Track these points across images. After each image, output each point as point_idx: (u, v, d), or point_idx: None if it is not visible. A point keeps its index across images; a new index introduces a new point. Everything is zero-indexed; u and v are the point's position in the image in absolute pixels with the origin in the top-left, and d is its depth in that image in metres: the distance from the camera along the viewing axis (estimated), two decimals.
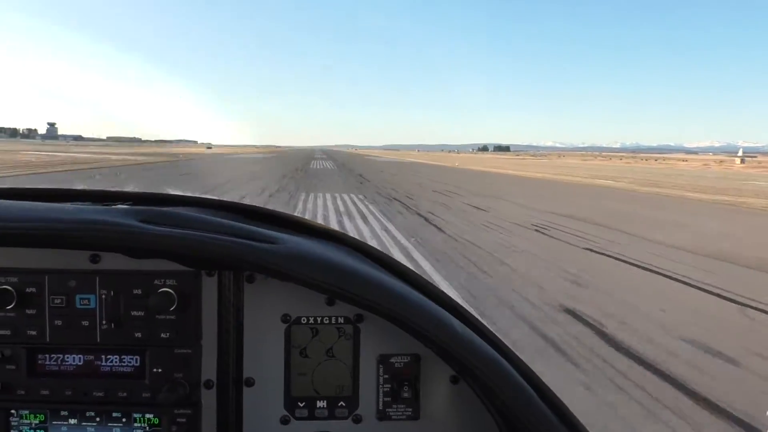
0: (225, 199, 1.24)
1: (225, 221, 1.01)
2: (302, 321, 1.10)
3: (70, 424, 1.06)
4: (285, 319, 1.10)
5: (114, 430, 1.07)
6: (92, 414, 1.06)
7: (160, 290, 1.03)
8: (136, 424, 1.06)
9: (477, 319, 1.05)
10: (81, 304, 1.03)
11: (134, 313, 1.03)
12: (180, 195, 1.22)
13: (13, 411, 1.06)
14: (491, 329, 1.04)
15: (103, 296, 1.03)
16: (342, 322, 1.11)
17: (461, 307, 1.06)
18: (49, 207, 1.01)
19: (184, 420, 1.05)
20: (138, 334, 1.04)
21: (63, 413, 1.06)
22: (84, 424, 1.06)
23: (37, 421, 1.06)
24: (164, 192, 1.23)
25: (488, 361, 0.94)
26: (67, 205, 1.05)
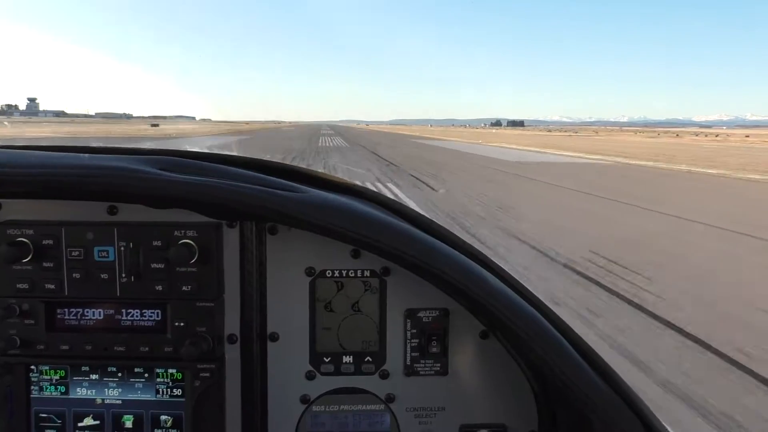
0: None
1: (246, 172, 0.98)
2: (327, 274, 1.07)
3: (92, 380, 1.05)
4: (309, 272, 1.07)
5: (136, 385, 1.05)
6: (114, 369, 1.04)
7: (181, 242, 0.99)
8: (158, 379, 1.05)
9: (508, 273, 1.01)
10: (99, 257, 1.00)
11: (154, 265, 1.00)
12: (197, 151, 1.14)
13: (33, 366, 1.04)
14: (523, 283, 1.00)
15: (122, 248, 1.00)
16: (368, 275, 1.08)
17: (491, 260, 1.02)
18: (65, 155, 0.98)
19: (207, 375, 1.03)
20: (158, 287, 1.01)
21: (84, 368, 1.04)
22: (106, 379, 1.05)
23: (57, 377, 1.04)
24: (182, 149, 1.14)
25: (522, 313, 0.91)
26: (84, 155, 1.01)
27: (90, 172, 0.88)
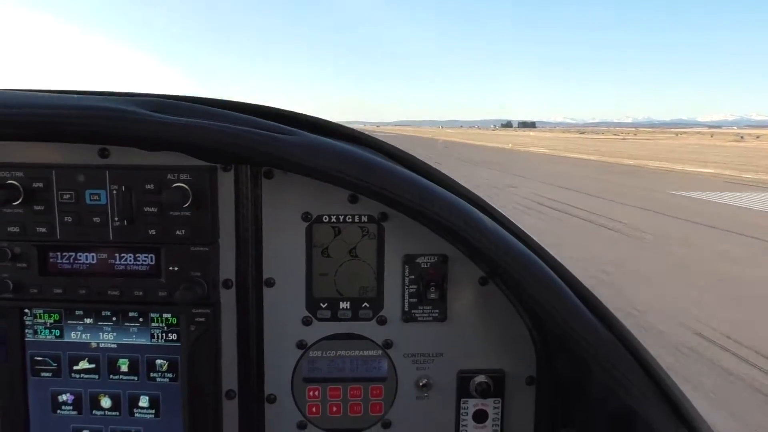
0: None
1: (240, 115, 0.96)
2: (324, 219, 1.06)
3: (86, 324, 1.04)
4: (306, 217, 1.06)
5: (131, 329, 1.04)
6: (108, 314, 1.04)
7: (174, 185, 0.98)
8: (153, 324, 1.04)
9: (507, 218, 1.00)
10: (91, 200, 0.99)
11: (147, 209, 0.99)
12: (191, 96, 1.10)
13: (26, 310, 1.04)
14: (521, 228, 0.99)
15: (114, 192, 0.99)
16: (365, 220, 1.07)
17: (489, 205, 1.02)
18: (54, 96, 0.96)
19: (202, 320, 1.02)
20: (152, 231, 1.00)
21: (78, 313, 1.04)
22: (100, 323, 1.04)
23: (51, 321, 1.04)
24: (174, 94, 1.11)
25: (521, 259, 0.90)
26: (73, 95, 1.00)
27: (81, 113, 0.87)
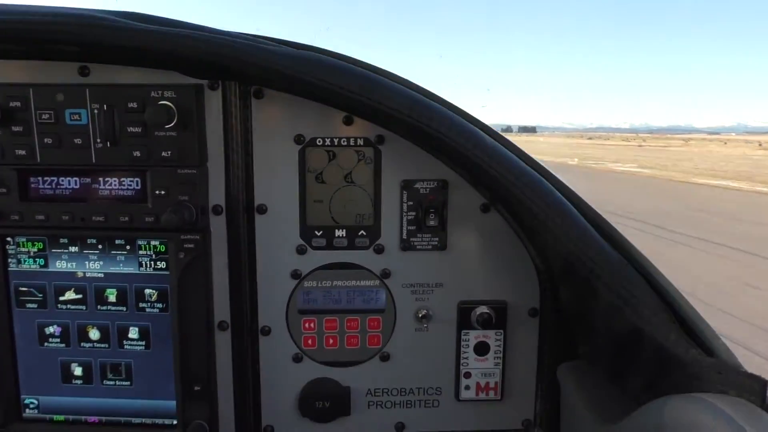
0: None
1: (229, 31, 0.92)
2: (317, 143, 1.02)
3: (71, 252, 1.01)
4: (298, 140, 1.02)
5: (118, 257, 1.01)
6: (93, 241, 1.01)
7: (159, 103, 0.94)
8: (140, 252, 1.01)
9: (508, 141, 0.95)
10: (71, 120, 0.95)
11: (131, 129, 0.95)
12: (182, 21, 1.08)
13: (9, 238, 1.01)
14: (523, 150, 0.95)
15: (95, 111, 0.95)
16: (361, 144, 1.03)
17: (490, 128, 0.96)
18: (29, 5, 0.91)
19: (191, 246, 0.99)
20: (136, 153, 0.96)
21: (62, 240, 1.01)
22: (86, 251, 1.01)
23: (35, 249, 1.01)
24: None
25: (525, 177, 0.86)
26: (48, 5, 0.95)
27: (60, 19, 0.83)
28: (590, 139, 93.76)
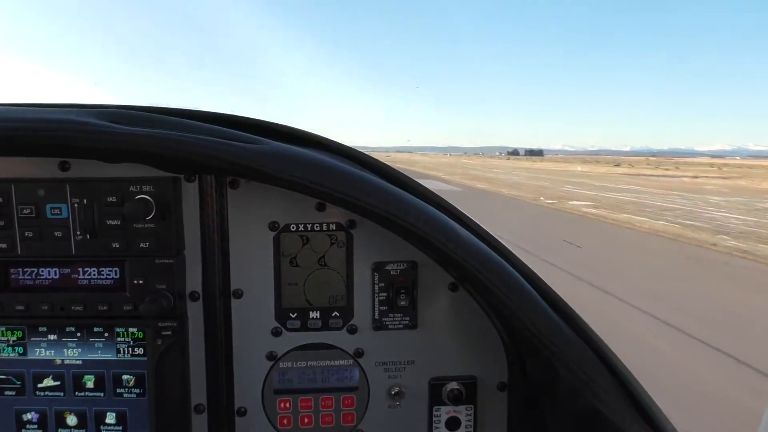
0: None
1: (202, 124, 0.95)
2: (291, 228, 1.06)
3: (50, 340, 1.03)
4: (273, 226, 1.05)
5: (96, 344, 1.02)
6: (72, 329, 1.02)
7: (137, 197, 0.97)
8: (119, 339, 1.02)
9: (475, 223, 0.99)
10: (52, 214, 0.98)
11: (110, 222, 0.98)
12: (152, 106, 1.09)
13: None
14: (491, 233, 0.98)
15: (76, 205, 0.98)
16: (334, 228, 1.06)
17: (458, 210, 1.01)
18: (10, 109, 0.95)
19: (169, 333, 1.01)
20: (115, 245, 0.98)
21: (42, 329, 1.02)
22: (64, 339, 1.03)
23: (14, 338, 1.02)
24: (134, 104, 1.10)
25: (491, 263, 0.89)
26: (29, 109, 0.99)
27: (39, 126, 0.85)
28: (617, 165, 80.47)
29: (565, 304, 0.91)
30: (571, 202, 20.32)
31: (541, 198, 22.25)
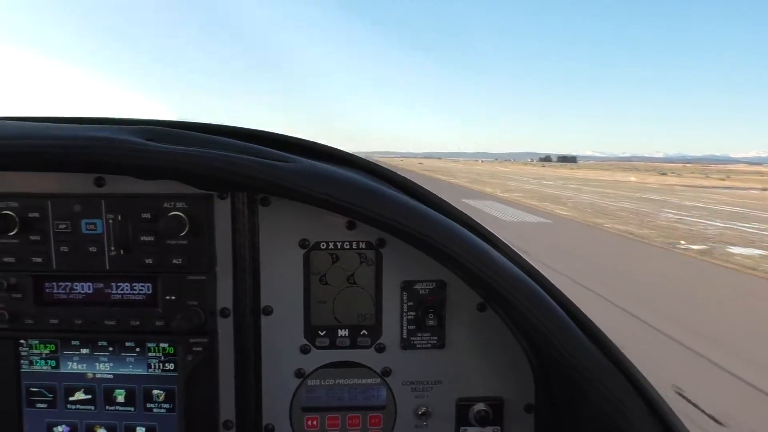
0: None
1: (236, 142, 0.96)
2: (321, 246, 1.06)
3: (82, 354, 1.04)
4: (303, 244, 1.05)
5: (128, 359, 1.04)
6: (104, 343, 1.04)
7: (170, 214, 0.98)
8: (150, 354, 1.04)
9: (504, 243, 0.99)
10: (87, 230, 0.99)
11: (144, 238, 0.99)
12: (187, 122, 1.11)
13: (22, 341, 1.04)
14: (521, 254, 0.98)
15: (110, 221, 0.99)
16: (363, 247, 1.06)
17: (488, 231, 1.00)
18: (49, 126, 0.97)
19: (200, 349, 1.02)
20: (149, 260, 1.00)
21: (74, 343, 1.04)
22: (96, 353, 1.04)
23: (47, 351, 1.04)
24: (170, 119, 1.12)
25: (519, 285, 0.88)
26: (68, 125, 1.00)
27: (77, 143, 0.87)
28: (663, 174, 69.84)
29: (594, 325, 0.90)
30: (730, 249, 10.73)
31: (682, 242, 11.52)
